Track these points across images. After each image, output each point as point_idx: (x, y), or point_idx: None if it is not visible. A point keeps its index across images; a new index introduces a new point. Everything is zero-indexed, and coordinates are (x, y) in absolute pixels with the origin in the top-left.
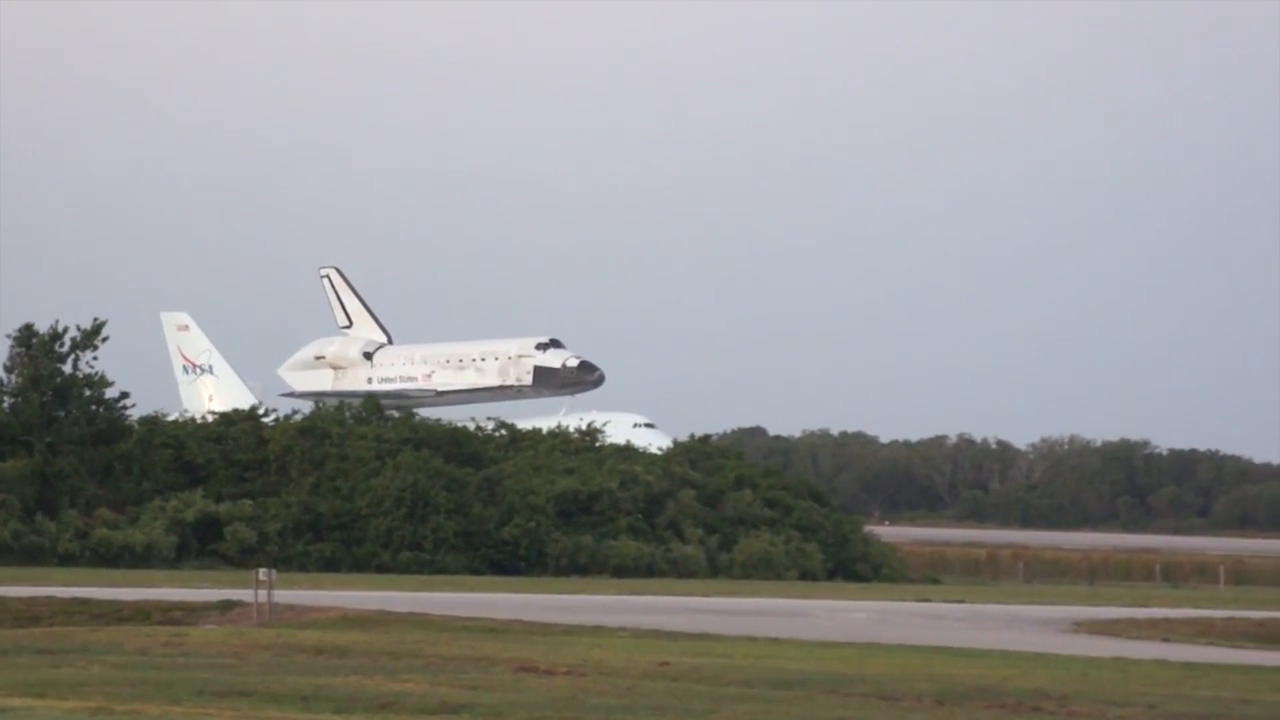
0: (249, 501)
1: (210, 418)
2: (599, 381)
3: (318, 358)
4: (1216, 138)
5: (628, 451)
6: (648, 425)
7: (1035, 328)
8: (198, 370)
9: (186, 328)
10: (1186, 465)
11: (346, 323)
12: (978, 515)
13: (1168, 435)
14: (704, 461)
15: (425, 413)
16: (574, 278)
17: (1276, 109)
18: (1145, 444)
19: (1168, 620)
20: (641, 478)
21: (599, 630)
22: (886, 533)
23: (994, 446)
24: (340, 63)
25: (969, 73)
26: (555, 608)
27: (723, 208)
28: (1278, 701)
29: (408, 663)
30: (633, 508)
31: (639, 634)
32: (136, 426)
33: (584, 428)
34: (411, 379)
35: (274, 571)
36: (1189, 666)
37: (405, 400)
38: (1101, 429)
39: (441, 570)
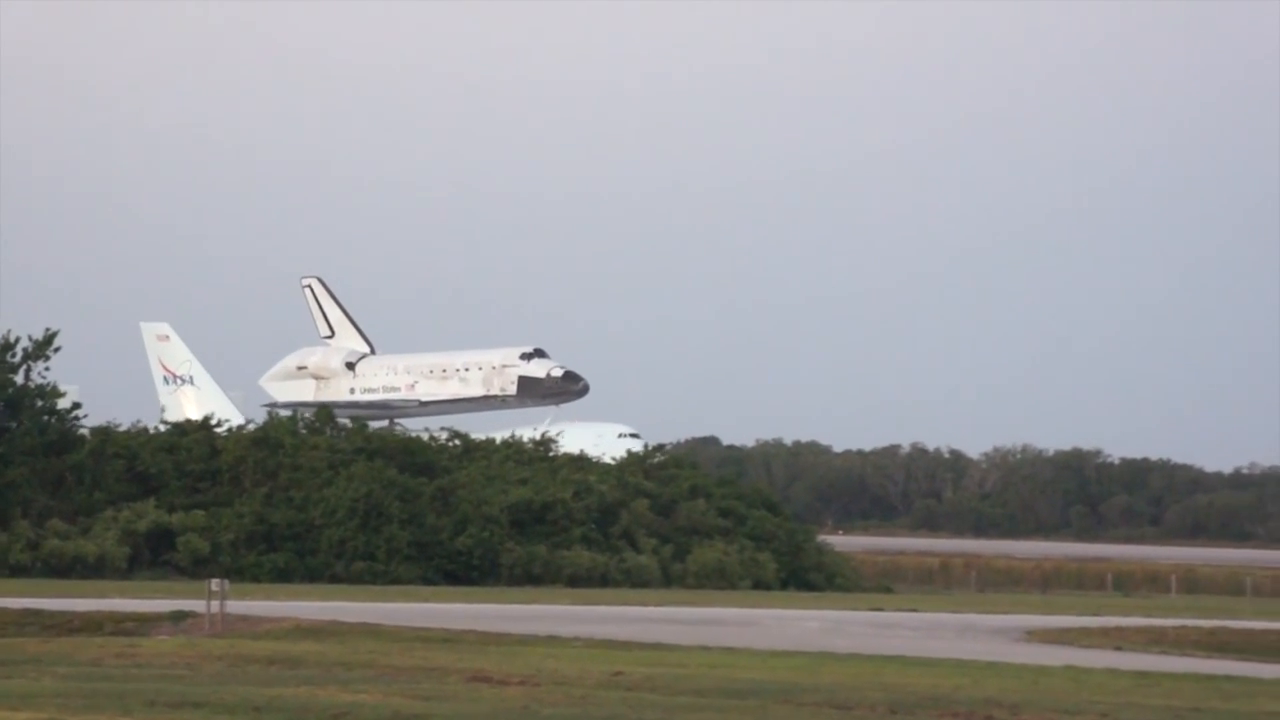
0: (201, 512)
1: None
2: (584, 391)
3: (300, 368)
4: (1178, 156)
5: (581, 461)
6: (633, 435)
7: (987, 337)
8: (178, 381)
9: (167, 338)
10: (1138, 474)
11: (328, 333)
12: (931, 524)
13: (1120, 444)
14: (658, 471)
15: (408, 423)
16: (552, 287)
17: (1239, 133)
18: (1097, 453)
19: (1119, 629)
20: (595, 487)
21: (552, 640)
22: (840, 542)
23: (947, 456)
24: (322, 70)
25: (922, 95)
26: (509, 618)
27: (682, 218)
28: (1229, 710)
29: (361, 673)
30: (586, 517)
31: (592, 644)
32: (89, 437)
33: (538, 437)
34: (395, 389)
35: (227, 582)
36: (1141, 675)
37: (388, 410)
38: (1054, 438)
39: (395, 580)
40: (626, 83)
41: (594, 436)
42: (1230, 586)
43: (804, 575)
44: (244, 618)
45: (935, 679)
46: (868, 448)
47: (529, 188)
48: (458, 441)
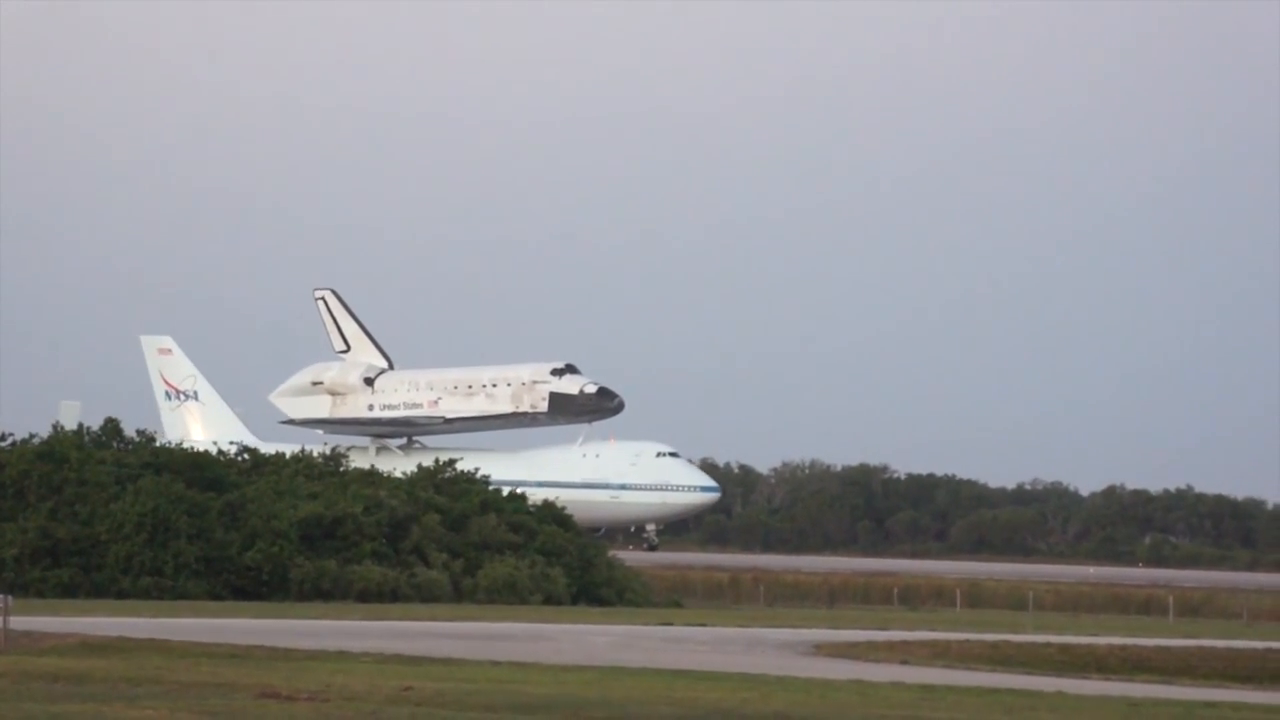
0: None
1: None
2: (619, 409)
3: (315, 383)
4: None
5: (372, 476)
6: (671, 454)
7: (775, 350)
8: (181, 396)
9: (169, 351)
10: (924, 490)
11: (344, 347)
12: (720, 539)
13: (906, 460)
14: (449, 486)
15: (430, 441)
16: (578, 298)
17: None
18: (884, 469)
19: (905, 643)
20: (386, 502)
21: (342, 655)
22: (630, 557)
23: (736, 471)
24: (328, 72)
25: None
26: (298, 633)
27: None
28: None
29: (148, 689)
30: (377, 532)
31: (382, 659)
32: None
33: (328, 452)
34: (417, 405)
35: (10, 598)
36: (926, 688)
37: (411, 428)
38: (841, 454)
39: (183, 596)
40: (656, 88)
41: (631, 455)
42: (1013, 601)
43: (595, 590)
44: (27, 634)
45: (724, 693)
46: None
47: (547, 194)
48: (246, 456)
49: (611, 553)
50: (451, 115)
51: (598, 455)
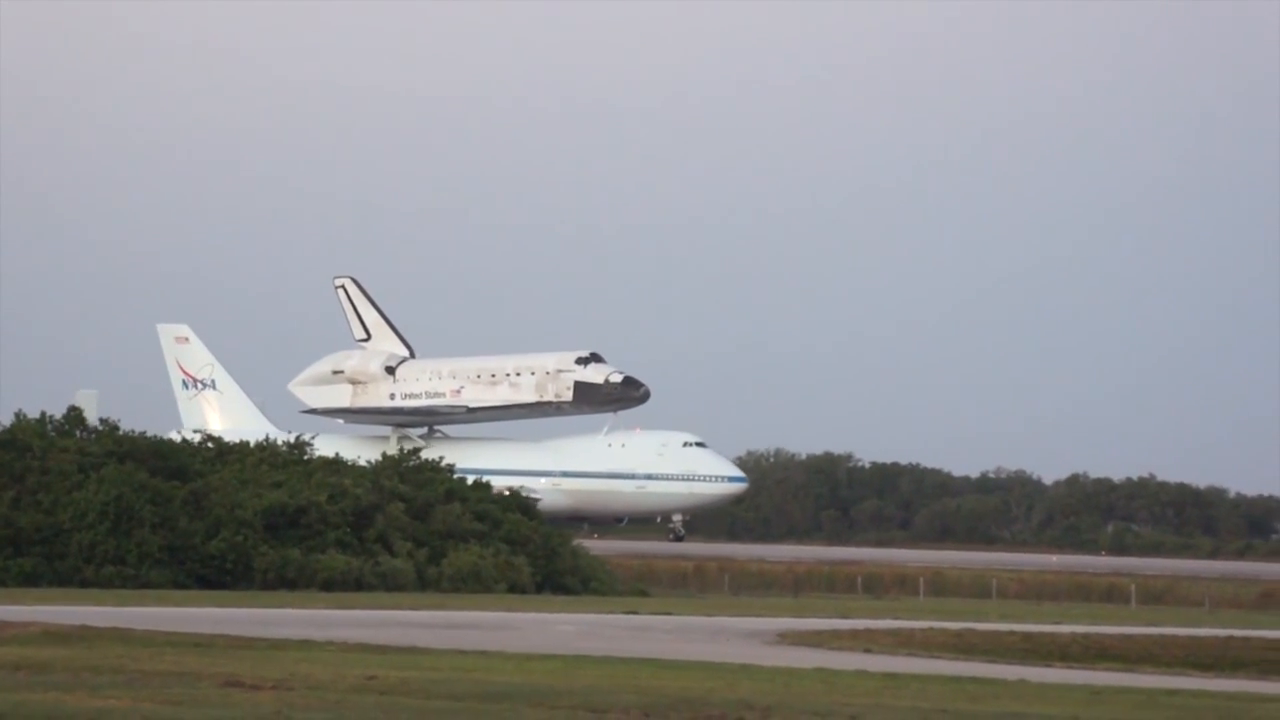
0: None
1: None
2: (644, 398)
3: (335, 372)
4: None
5: (336, 464)
6: (699, 444)
7: (738, 339)
8: (199, 385)
9: (186, 340)
10: (888, 478)
11: (364, 335)
12: (685, 527)
13: (870, 449)
14: (413, 475)
15: (453, 430)
16: (598, 287)
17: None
18: (848, 457)
19: (869, 631)
20: (350, 491)
21: (306, 644)
22: (595, 546)
23: None
24: (349, 57)
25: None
26: (262, 622)
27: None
28: (974, 711)
29: (110, 678)
30: (341, 521)
31: (346, 648)
32: None
33: (292, 440)
34: (439, 395)
35: None
36: (890, 676)
37: (433, 417)
38: (806, 443)
39: (146, 585)
40: (668, 82)
41: (657, 445)
42: (977, 589)
43: (559, 579)
44: None
45: (689, 681)
46: None
47: (568, 182)
48: (211, 444)
49: (576, 541)
50: (473, 101)
51: (623, 445)
